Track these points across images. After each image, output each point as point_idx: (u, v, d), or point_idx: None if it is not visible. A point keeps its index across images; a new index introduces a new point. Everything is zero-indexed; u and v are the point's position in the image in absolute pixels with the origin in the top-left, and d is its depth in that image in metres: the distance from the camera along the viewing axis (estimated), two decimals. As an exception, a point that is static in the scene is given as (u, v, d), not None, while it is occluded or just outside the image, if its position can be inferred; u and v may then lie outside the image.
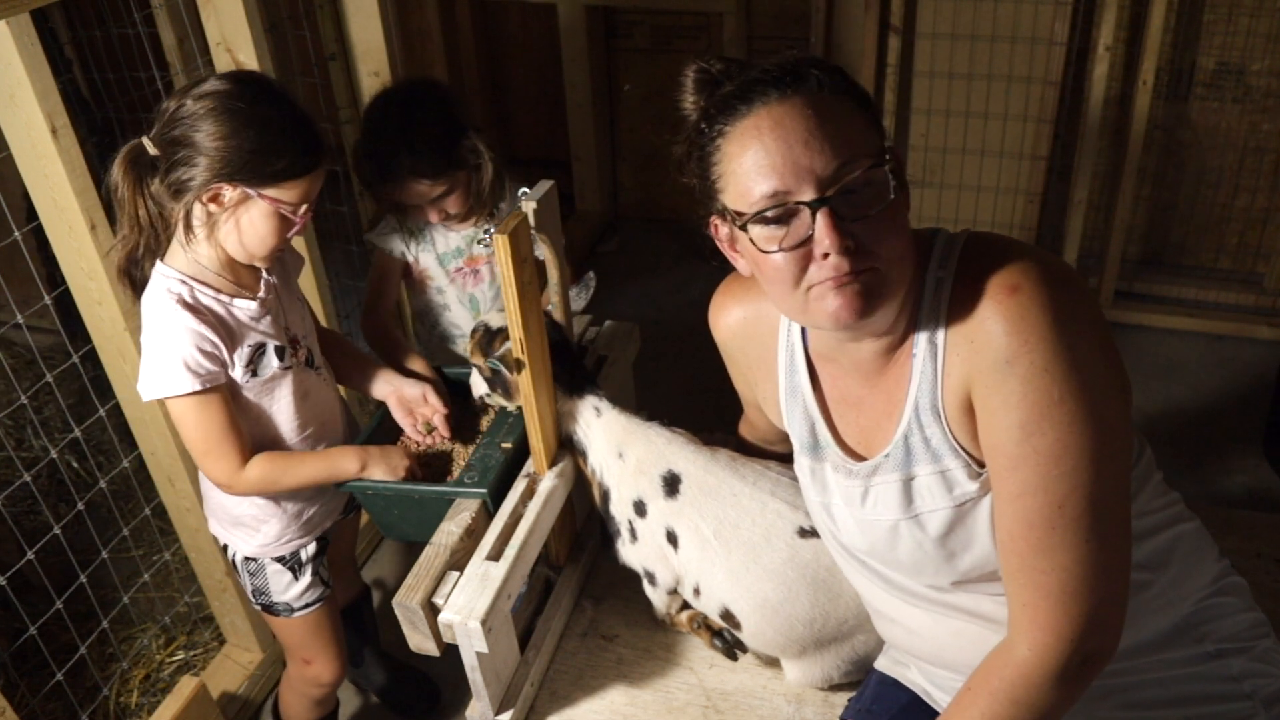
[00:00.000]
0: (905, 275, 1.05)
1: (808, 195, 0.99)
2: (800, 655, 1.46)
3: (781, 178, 0.99)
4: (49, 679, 2.04)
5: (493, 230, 1.33)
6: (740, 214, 1.04)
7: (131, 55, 2.69)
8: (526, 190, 1.42)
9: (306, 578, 1.76)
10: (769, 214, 1.01)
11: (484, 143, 1.93)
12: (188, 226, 1.46)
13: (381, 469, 1.62)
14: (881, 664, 1.41)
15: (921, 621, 1.23)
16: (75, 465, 2.80)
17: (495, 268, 1.97)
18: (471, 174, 1.95)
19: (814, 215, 0.99)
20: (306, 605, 1.78)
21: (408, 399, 1.77)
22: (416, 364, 1.85)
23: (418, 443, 1.78)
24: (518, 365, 1.41)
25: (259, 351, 1.56)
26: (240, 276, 1.56)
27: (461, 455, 1.75)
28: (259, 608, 1.80)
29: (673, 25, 3.79)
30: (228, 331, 1.52)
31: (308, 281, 2.25)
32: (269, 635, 2.25)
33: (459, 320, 2.11)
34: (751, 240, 1.04)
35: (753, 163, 1.01)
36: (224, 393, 1.52)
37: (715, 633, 1.54)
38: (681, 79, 1.12)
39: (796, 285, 1.03)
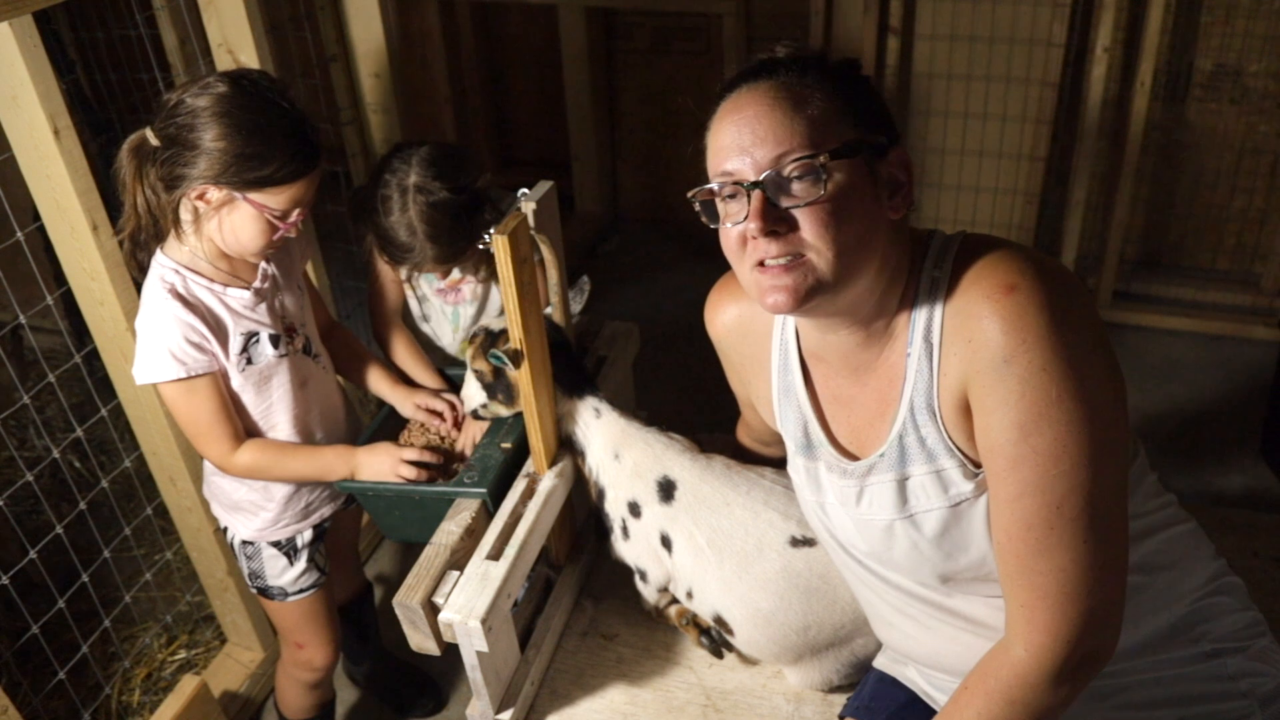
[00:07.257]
0: (857, 267, 1.06)
1: (749, 177, 1.05)
2: (796, 661, 1.46)
3: (730, 158, 1.06)
4: (51, 678, 2.04)
5: (492, 231, 1.33)
6: (709, 185, 1.10)
7: (133, 57, 2.69)
8: (526, 190, 1.43)
9: (301, 563, 1.79)
10: (721, 190, 1.08)
11: (493, 200, 1.83)
12: (175, 220, 1.51)
13: (370, 472, 1.65)
14: (880, 662, 1.41)
15: (919, 625, 1.23)
16: (77, 465, 2.81)
17: (475, 287, 1.97)
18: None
19: (749, 196, 1.04)
20: (301, 590, 1.81)
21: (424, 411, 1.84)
22: (427, 376, 1.90)
23: (418, 441, 1.79)
24: (516, 357, 1.41)
25: (252, 339, 1.60)
26: (235, 266, 1.60)
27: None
28: (255, 590, 1.82)
29: (673, 26, 3.79)
30: (217, 322, 1.56)
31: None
32: (270, 634, 2.26)
33: (440, 331, 2.07)
34: (716, 209, 1.10)
35: (717, 142, 1.09)
36: (213, 380, 1.56)
37: (703, 630, 1.54)
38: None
39: (742, 260, 1.09)
